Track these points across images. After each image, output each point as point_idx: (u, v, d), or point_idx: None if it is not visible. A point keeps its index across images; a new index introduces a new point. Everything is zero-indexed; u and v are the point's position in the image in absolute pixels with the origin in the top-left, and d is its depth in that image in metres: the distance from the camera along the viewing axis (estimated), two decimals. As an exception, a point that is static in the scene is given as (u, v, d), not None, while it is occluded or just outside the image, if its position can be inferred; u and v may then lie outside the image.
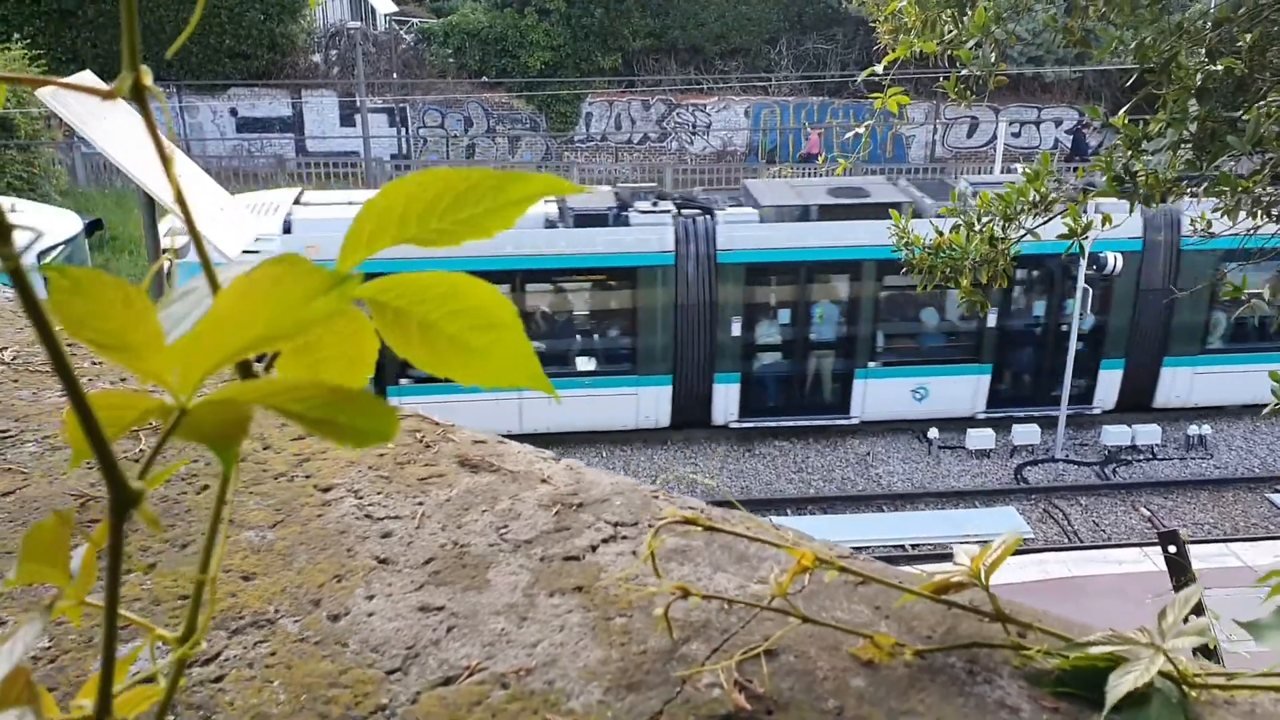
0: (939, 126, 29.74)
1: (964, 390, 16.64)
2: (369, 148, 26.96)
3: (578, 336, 16.42)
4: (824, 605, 1.05)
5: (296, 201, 15.35)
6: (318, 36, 29.59)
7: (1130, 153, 5.23)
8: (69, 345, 1.38)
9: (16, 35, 23.73)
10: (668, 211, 15.56)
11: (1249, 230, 5.38)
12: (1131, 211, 5.48)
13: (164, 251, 7.53)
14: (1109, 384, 16.85)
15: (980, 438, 16.44)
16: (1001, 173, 21.02)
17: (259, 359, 0.58)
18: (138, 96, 0.53)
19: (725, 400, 16.45)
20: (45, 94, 6.40)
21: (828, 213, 15.68)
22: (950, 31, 5.54)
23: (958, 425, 16.72)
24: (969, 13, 5.49)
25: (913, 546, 13.77)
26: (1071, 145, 28.47)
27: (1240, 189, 4.93)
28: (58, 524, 0.61)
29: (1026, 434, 16.49)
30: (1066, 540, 14.52)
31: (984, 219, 5.73)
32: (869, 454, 16.64)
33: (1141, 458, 16.56)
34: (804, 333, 16.52)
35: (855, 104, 28.45)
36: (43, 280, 0.52)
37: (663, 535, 1.16)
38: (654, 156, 29.77)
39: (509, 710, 0.92)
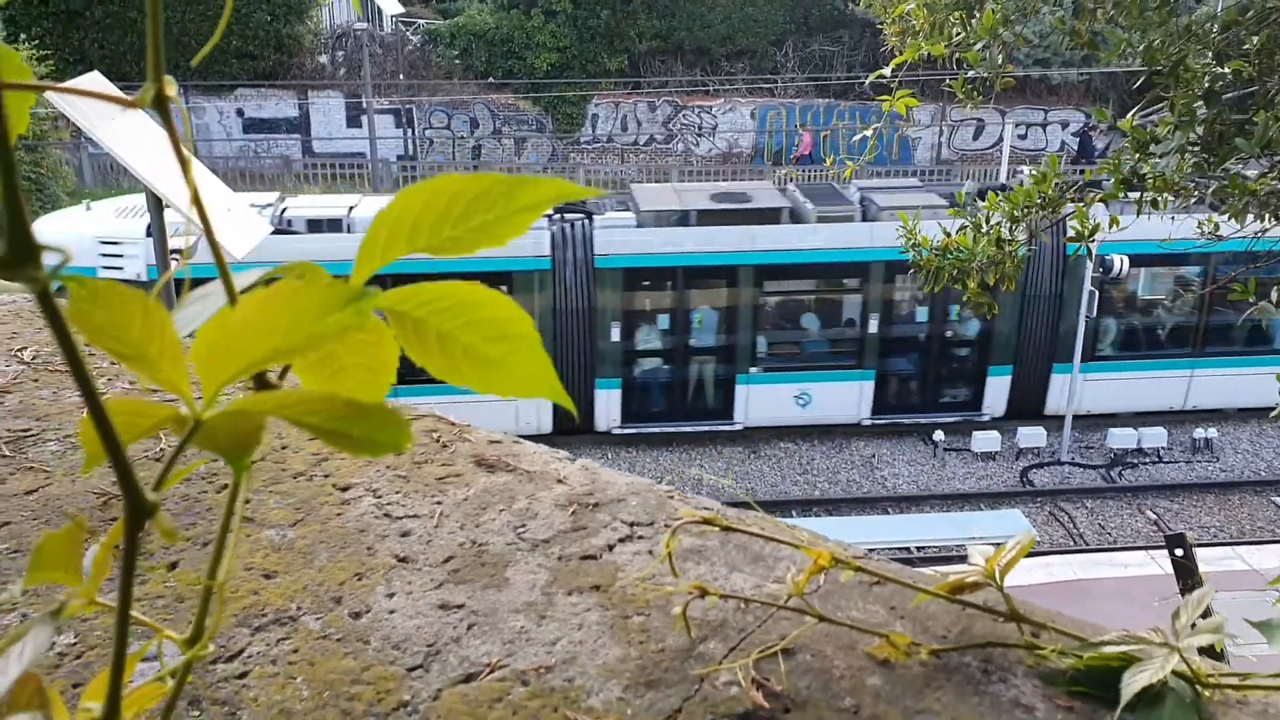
0: (945, 129, 29.73)
1: (848, 396, 16.58)
2: (375, 149, 27.01)
3: None
4: (839, 605, 1.06)
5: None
6: (324, 37, 29.65)
7: (1138, 155, 5.23)
8: (86, 349, 1.39)
9: (24, 36, 23.83)
10: (545, 215, 15.47)
11: (1256, 234, 5.38)
12: (1139, 214, 5.48)
13: (173, 253, 7.55)
14: (997, 391, 16.76)
15: (986, 440, 16.42)
16: (1008, 175, 21.00)
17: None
18: (160, 106, 0.53)
19: (607, 406, 16.35)
20: (53, 95, 6.43)
21: (706, 218, 15.64)
22: (958, 34, 5.54)
23: (963, 427, 16.72)
24: (977, 15, 5.50)
25: (918, 549, 13.77)
26: (1078, 148, 28.44)
27: (1248, 192, 4.93)
28: (71, 533, 0.62)
29: (1032, 436, 16.47)
30: (1072, 543, 14.51)
31: (992, 220, 5.74)
32: (874, 456, 16.64)
33: (1147, 460, 16.54)
34: (684, 338, 16.44)
35: (861, 106, 28.46)
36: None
37: (679, 535, 1.17)
38: (660, 158, 29.79)
39: (530, 707, 0.94)
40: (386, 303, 0.56)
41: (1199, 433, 16.64)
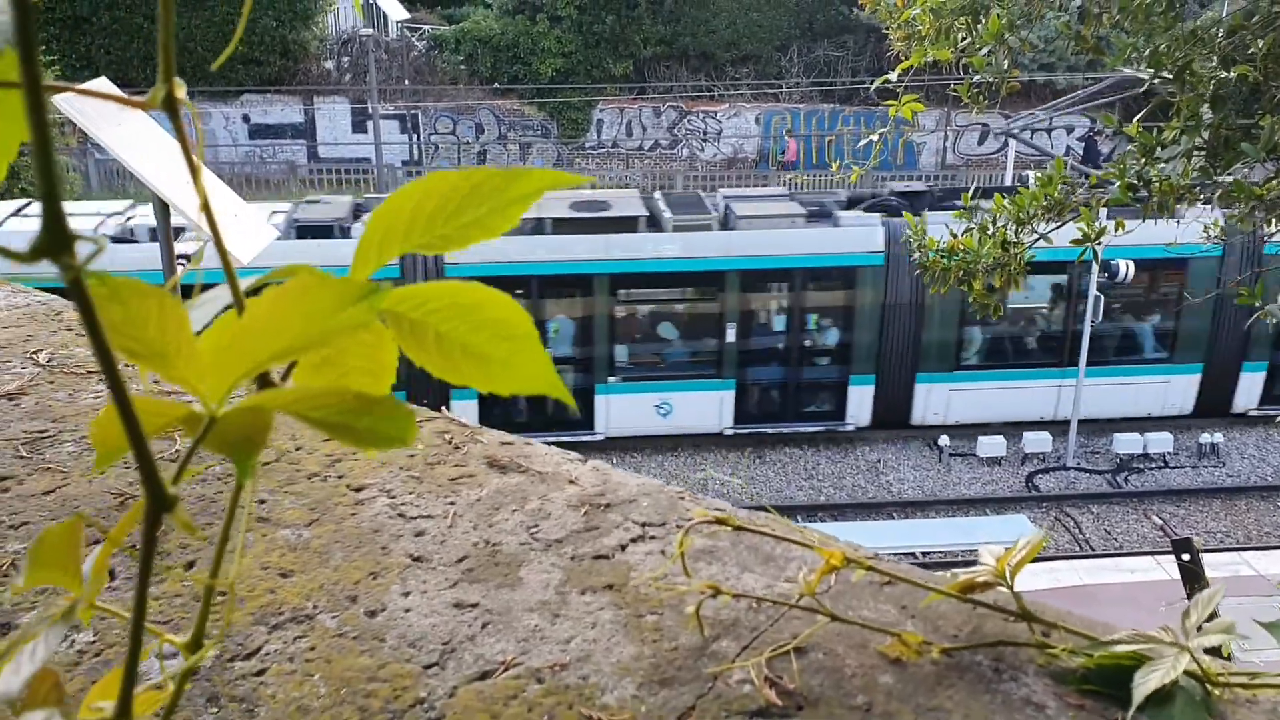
0: (950, 134, 29.73)
1: (708, 406, 16.49)
2: (380, 154, 27.07)
3: None
4: (851, 604, 1.07)
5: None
6: (330, 43, 29.75)
7: (1144, 160, 5.24)
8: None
9: (32, 42, 23.89)
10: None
11: (1265, 237, 5.38)
12: (1144, 218, 5.49)
13: (179, 258, 7.58)
14: (860, 400, 16.66)
15: (991, 445, 16.40)
16: (1014, 180, 20.98)
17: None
18: (170, 109, 0.53)
19: (464, 417, 16.20)
20: (60, 99, 6.45)
21: (562, 226, 15.54)
22: (964, 39, 5.55)
23: (968, 432, 16.70)
24: (983, 20, 5.51)
25: (924, 554, 13.75)
26: (1083, 152, 28.43)
27: (1254, 196, 4.93)
28: (70, 528, 0.61)
29: (1038, 441, 16.45)
30: (1078, 548, 14.48)
31: (998, 222, 5.75)
32: (879, 461, 16.62)
33: (1153, 465, 16.51)
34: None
35: (866, 111, 28.47)
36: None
37: (691, 535, 1.18)
38: (665, 163, 29.83)
39: (545, 704, 0.95)
40: (385, 304, 0.56)
41: (1205, 438, 16.61)
